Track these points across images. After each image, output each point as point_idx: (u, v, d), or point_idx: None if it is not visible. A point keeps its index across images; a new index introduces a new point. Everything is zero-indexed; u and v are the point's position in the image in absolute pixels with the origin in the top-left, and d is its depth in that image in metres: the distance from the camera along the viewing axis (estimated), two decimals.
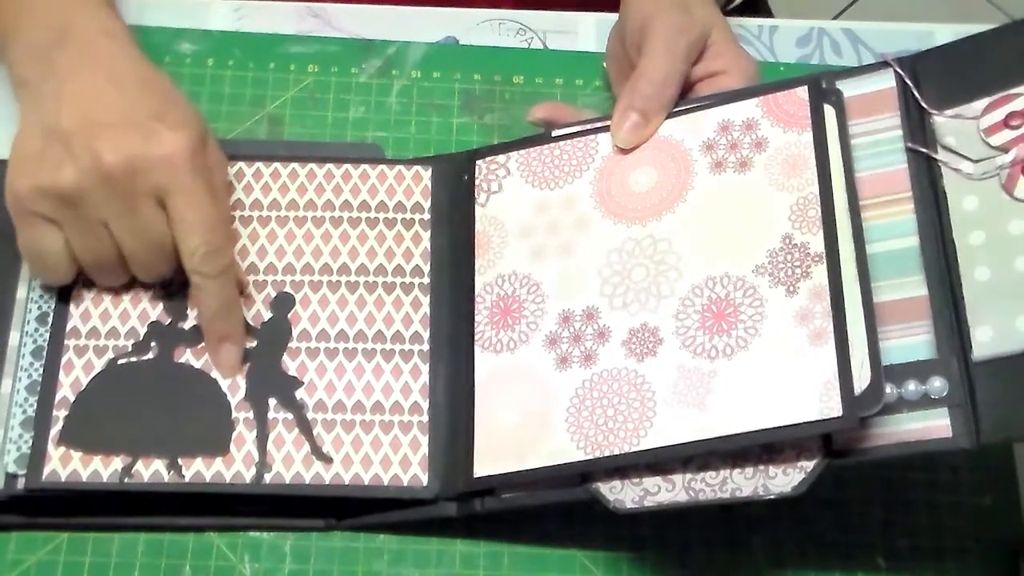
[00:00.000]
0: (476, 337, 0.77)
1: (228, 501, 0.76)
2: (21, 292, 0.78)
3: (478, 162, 0.82)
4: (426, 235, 0.81)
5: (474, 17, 0.94)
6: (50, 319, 0.77)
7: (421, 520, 0.76)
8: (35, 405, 0.74)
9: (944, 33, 0.95)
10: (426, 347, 0.78)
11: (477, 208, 0.80)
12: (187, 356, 0.76)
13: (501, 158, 0.81)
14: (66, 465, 0.73)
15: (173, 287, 0.77)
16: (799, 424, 0.67)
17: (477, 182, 0.81)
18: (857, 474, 0.80)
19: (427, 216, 0.81)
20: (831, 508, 0.79)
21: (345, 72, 0.91)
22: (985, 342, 0.67)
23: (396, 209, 0.81)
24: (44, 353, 0.76)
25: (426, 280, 0.80)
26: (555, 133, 0.81)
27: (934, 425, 0.67)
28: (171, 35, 0.90)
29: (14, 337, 0.77)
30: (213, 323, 0.75)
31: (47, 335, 0.76)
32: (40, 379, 0.75)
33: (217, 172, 0.76)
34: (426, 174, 0.82)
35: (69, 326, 0.76)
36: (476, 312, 0.78)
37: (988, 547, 0.79)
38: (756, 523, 0.79)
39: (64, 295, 0.77)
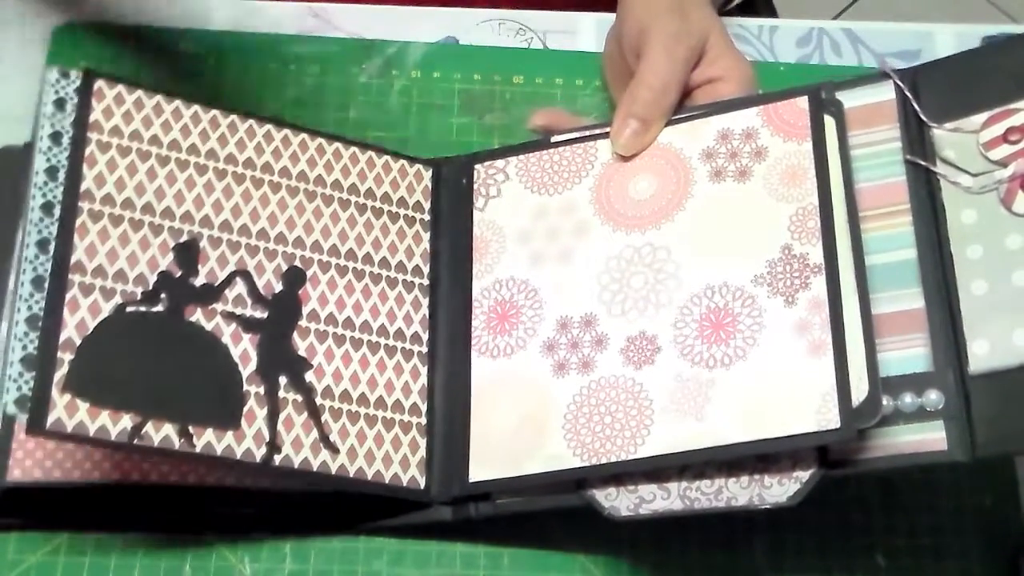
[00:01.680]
0: (473, 342, 0.77)
1: (222, 501, 0.76)
2: (18, 237, 0.75)
3: (476, 166, 0.82)
4: (426, 236, 0.81)
5: (474, 17, 0.94)
6: (51, 247, 0.73)
7: (418, 524, 0.76)
8: (35, 341, 0.71)
9: (944, 33, 0.95)
10: (425, 349, 0.78)
11: (475, 212, 0.80)
12: (198, 315, 0.74)
13: (500, 163, 0.81)
14: (72, 415, 0.68)
15: (183, 236, 0.75)
16: (796, 436, 0.68)
17: (475, 186, 0.81)
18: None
19: (427, 216, 0.81)
20: (831, 508, 0.80)
21: (345, 72, 0.91)
22: (982, 355, 0.67)
23: (399, 204, 0.81)
24: (45, 285, 0.72)
25: (425, 281, 0.80)
26: (554, 139, 0.81)
27: (930, 438, 0.68)
28: (172, 35, 0.90)
29: (12, 280, 0.74)
30: None
31: (48, 264, 0.73)
32: (41, 313, 0.71)
33: None
34: (427, 174, 0.83)
35: (73, 259, 0.72)
36: (473, 317, 0.78)
37: (988, 547, 0.80)
38: (756, 524, 0.79)
39: (67, 223, 0.73)
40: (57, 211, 0.74)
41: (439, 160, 0.84)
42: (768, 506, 0.68)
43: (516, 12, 0.95)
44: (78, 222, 0.73)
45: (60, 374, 0.69)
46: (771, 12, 1.14)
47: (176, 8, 0.92)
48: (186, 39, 0.90)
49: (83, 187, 0.74)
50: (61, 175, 0.75)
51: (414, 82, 0.91)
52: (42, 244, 0.73)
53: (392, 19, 0.94)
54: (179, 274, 0.74)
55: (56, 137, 0.76)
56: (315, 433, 0.74)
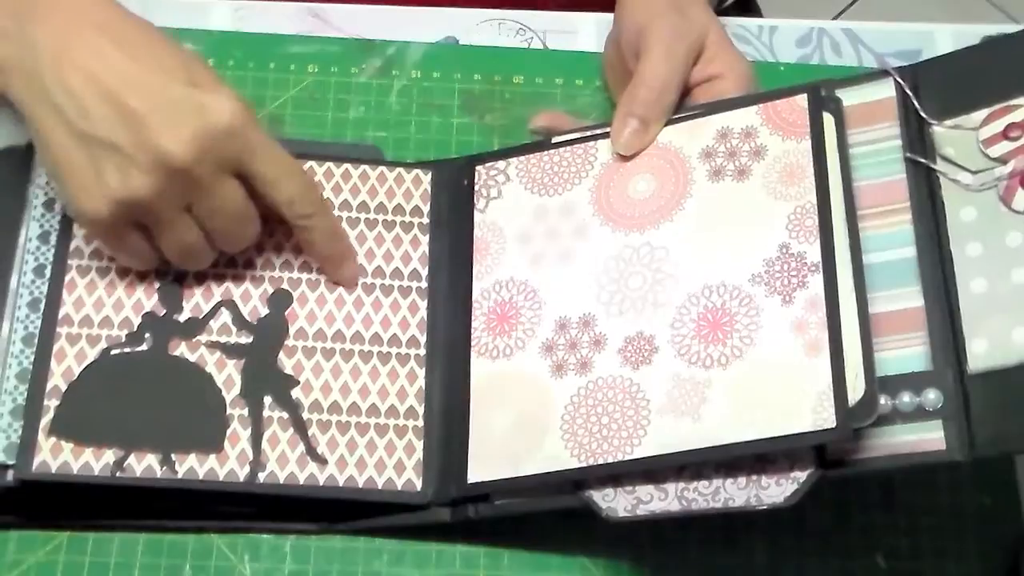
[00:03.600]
0: (472, 343, 0.77)
1: (220, 500, 0.76)
2: (13, 280, 0.76)
3: (478, 167, 0.82)
4: (424, 239, 0.81)
5: (474, 17, 0.94)
6: (42, 305, 0.75)
7: (416, 525, 0.76)
8: (25, 393, 0.73)
9: (944, 33, 0.95)
10: (422, 352, 0.78)
11: (476, 214, 0.80)
12: (182, 349, 0.76)
13: (501, 164, 0.81)
14: (56, 456, 0.72)
15: (168, 277, 0.77)
16: (793, 435, 0.67)
17: (476, 188, 0.81)
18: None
19: (426, 220, 0.81)
20: (831, 508, 0.80)
21: (345, 72, 0.91)
22: (980, 354, 0.67)
23: (395, 211, 0.81)
24: (35, 340, 0.75)
25: (423, 284, 0.80)
26: (555, 139, 0.81)
27: (928, 437, 0.67)
28: (171, 35, 0.89)
29: (5, 326, 0.75)
30: (329, 253, 0.77)
31: (39, 322, 0.75)
32: (31, 367, 0.74)
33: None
34: (426, 178, 0.82)
35: (62, 313, 0.75)
36: (473, 318, 0.78)
37: (988, 547, 0.79)
38: (756, 524, 0.79)
39: (57, 281, 0.76)
40: (48, 272, 0.76)
41: (439, 162, 0.84)
42: (765, 507, 0.68)
43: (516, 12, 0.95)
44: (67, 279, 0.76)
45: (46, 420, 0.73)
46: (756, 13, 1.14)
47: (176, 8, 0.92)
48: (186, 39, 0.90)
49: (72, 245, 0.77)
50: (53, 239, 0.77)
51: (414, 82, 0.91)
52: (33, 304, 0.76)
53: (392, 19, 0.94)
54: (163, 312, 0.76)
55: (49, 204, 0.79)
56: (301, 447, 0.74)
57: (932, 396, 0.68)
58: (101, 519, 0.77)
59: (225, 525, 0.77)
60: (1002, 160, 0.70)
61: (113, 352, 0.75)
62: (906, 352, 0.69)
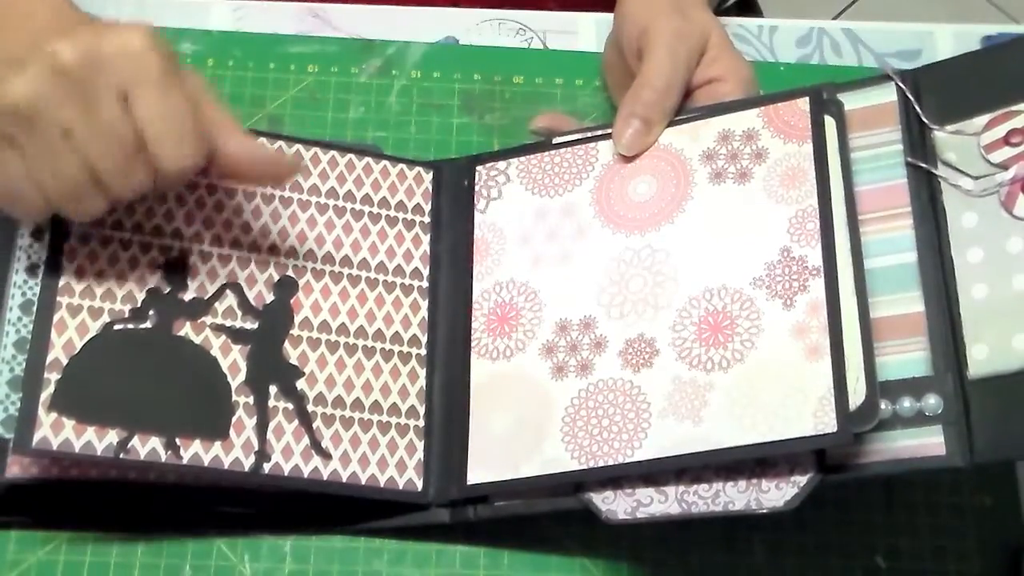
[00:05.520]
0: (473, 344, 0.77)
1: (221, 499, 0.76)
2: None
3: (478, 168, 0.82)
4: (426, 238, 0.81)
5: (474, 17, 0.94)
6: (40, 271, 0.73)
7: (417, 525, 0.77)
8: (23, 363, 0.71)
9: (944, 33, 0.95)
10: (423, 351, 0.78)
11: (476, 214, 0.80)
12: (187, 330, 0.74)
13: (501, 164, 0.81)
14: (58, 433, 0.70)
15: (172, 252, 0.76)
16: (793, 439, 0.67)
17: (477, 188, 0.81)
18: None
19: (427, 219, 0.81)
20: (831, 508, 0.80)
21: (345, 72, 0.90)
22: (981, 360, 0.67)
23: (398, 208, 0.81)
24: (34, 308, 0.73)
25: (425, 283, 0.80)
26: (556, 140, 0.81)
27: (928, 442, 0.67)
28: (171, 35, 0.90)
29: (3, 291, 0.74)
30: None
31: (37, 288, 0.73)
32: (29, 336, 0.72)
33: (188, 78, 0.68)
34: (427, 176, 0.82)
35: (62, 282, 0.73)
36: (473, 319, 0.78)
37: (988, 547, 0.80)
38: (756, 524, 0.79)
39: (56, 246, 0.73)
40: (46, 236, 0.74)
41: (440, 162, 0.84)
42: (765, 511, 0.68)
43: (516, 12, 0.95)
44: (66, 245, 0.74)
45: (46, 394, 0.71)
46: (756, 13, 1.14)
47: (176, 8, 0.92)
48: (186, 39, 0.90)
49: None
50: None
51: (414, 82, 0.91)
52: (31, 269, 0.74)
53: (392, 19, 0.94)
54: (168, 290, 0.75)
55: None
56: (306, 440, 0.74)
57: (932, 401, 0.68)
58: (101, 520, 0.76)
59: (225, 531, 0.77)
60: (1003, 166, 0.70)
61: (116, 327, 0.73)
62: (907, 357, 0.70)
